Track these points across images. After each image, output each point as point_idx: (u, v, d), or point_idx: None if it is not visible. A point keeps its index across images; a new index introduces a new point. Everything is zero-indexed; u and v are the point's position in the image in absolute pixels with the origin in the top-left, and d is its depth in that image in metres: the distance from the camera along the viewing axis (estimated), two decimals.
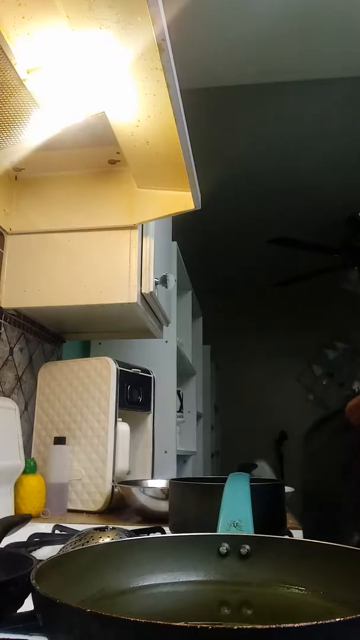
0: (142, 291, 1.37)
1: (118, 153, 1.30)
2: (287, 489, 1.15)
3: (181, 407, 2.82)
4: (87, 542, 0.72)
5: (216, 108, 2.65)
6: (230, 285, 5.08)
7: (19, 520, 0.79)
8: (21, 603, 0.48)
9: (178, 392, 2.70)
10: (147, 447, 1.60)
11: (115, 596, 0.47)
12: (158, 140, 1.04)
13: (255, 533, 0.56)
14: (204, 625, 0.29)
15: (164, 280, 1.50)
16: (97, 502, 1.35)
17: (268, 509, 0.78)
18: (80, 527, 0.86)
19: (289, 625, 0.29)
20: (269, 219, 3.74)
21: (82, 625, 0.32)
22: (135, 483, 1.34)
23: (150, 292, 1.38)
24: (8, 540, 0.79)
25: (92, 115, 1.03)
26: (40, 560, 0.45)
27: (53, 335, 1.70)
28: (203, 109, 2.59)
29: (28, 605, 0.43)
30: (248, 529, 0.57)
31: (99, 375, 1.43)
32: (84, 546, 0.68)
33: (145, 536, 0.73)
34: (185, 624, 0.30)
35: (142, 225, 1.38)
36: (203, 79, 2.37)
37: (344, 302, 4.45)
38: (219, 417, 4.96)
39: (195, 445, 2.96)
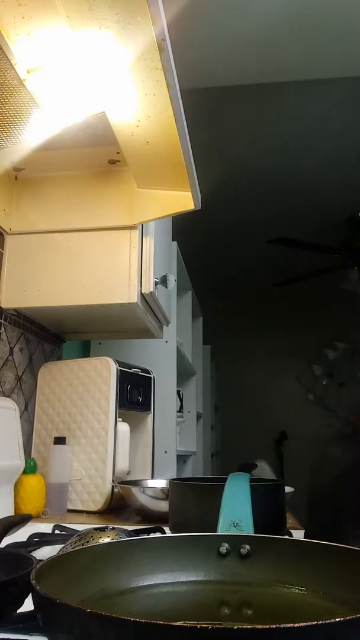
0: (142, 291, 1.37)
1: (118, 153, 1.30)
2: (287, 489, 1.15)
3: (181, 407, 2.82)
4: (87, 542, 0.72)
5: (216, 108, 2.65)
6: (230, 285, 5.08)
7: (19, 520, 0.79)
8: (21, 603, 0.48)
9: (178, 392, 2.70)
10: (147, 447, 1.60)
11: (115, 596, 0.47)
12: (158, 140, 1.04)
13: (255, 533, 0.56)
14: (204, 625, 0.29)
15: (164, 280, 1.50)
16: (97, 502, 1.35)
17: (268, 509, 0.78)
18: (80, 527, 0.86)
19: (289, 625, 0.29)
20: (269, 219, 3.74)
21: (82, 625, 0.32)
22: (135, 483, 1.34)
23: (150, 292, 1.38)
24: (8, 540, 0.79)
25: (92, 115, 1.03)
26: (40, 560, 0.45)
27: (53, 335, 1.70)
28: (203, 109, 2.59)
29: (28, 605, 0.43)
30: (248, 529, 0.57)
31: (99, 375, 1.43)
32: (84, 546, 0.68)
33: (145, 536, 0.73)
34: (185, 624, 0.30)
35: (142, 225, 1.38)
36: (203, 79, 2.37)
37: (344, 302, 4.45)
38: (219, 417, 4.96)
39: (195, 445, 2.96)
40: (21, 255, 1.38)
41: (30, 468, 1.29)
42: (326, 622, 0.30)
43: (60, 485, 1.34)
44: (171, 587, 0.50)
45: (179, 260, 2.46)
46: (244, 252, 4.35)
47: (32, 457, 1.44)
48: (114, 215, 1.36)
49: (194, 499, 0.81)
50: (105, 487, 1.35)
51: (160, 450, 1.88)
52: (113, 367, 1.42)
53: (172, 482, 0.87)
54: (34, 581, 0.38)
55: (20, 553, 0.61)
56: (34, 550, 0.86)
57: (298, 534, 0.83)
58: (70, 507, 1.37)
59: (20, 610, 0.49)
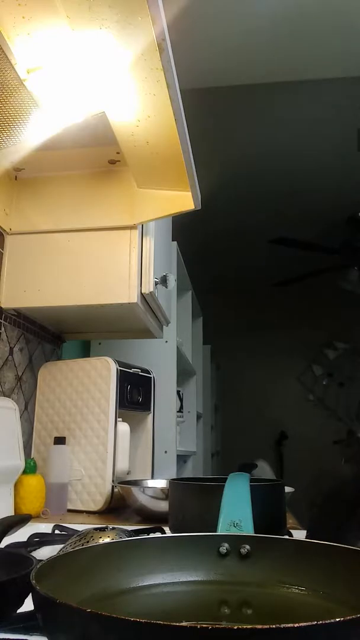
0: (142, 291, 1.37)
1: (118, 153, 1.30)
2: (287, 489, 1.15)
3: (181, 407, 2.82)
4: (87, 542, 0.72)
5: (216, 108, 2.65)
6: (230, 285, 5.08)
7: (19, 520, 0.79)
8: (21, 603, 0.48)
9: (178, 392, 2.70)
10: (147, 447, 1.60)
11: (115, 596, 0.47)
12: (158, 140, 1.04)
13: (255, 533, 0.56)
14: (204, 625, 0.29)
15: (164, 280, 1.50)
16: (97, 502, 1.35)
17: (268, 509, 0.78)
18: (80, 527, 0.86)
19: (289, 625, 0.29)
20: (269, 219, 3.74)
21: (82, 625, 0.32)
22: (135, 483, 1.34)
23: (150, 292, 1.38)
24: (8, 540, 0.79)
25: (92, 115, 1.03)
26: (40, 560, 0.45)
27: (53, 335, 1.70)
28: (203, 109, 2.59)
29: (28, 605, 0.43)
30: (248, 529, 0.57)
31: (99, 375, 1.43)
32: (84, 546, 0.68)
33: (145, 536, 0.73)
34: (185, 624, 0.30)
35: (142, 225, 1.38)
36: (203, 79, 2.37)
37: (344, 302, 4.45)
38: (219, 417, 4.96)
39: (195, 445, 2.96)
40: (21, 255, 1.38)
41: (30, 468, 1.29)
42: (326, 622, 0.30)
43: (60, 485, 1.34)
44: (171, 587, 0.50)
45: (179, 260, 2.46)
46: (244, 252, 4.35)
47: (32, 457, 1.44)
48: (114, 215, 1.36)
49: (194, 499, 0.81)
50: (105, 487, 1.35)
51: (160, 450, 1.88)
52: (113, 367, 1.42)
53: (172, 482, 0.87)
54: (34, 581, 0.38)
55: (20, 553, 0.61)
56: (34, 550, 0.86)
57: (298, 534, 0.83)
58: (70, 507, 1.37)
59: (20, 610, 0.49)
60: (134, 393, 1.52)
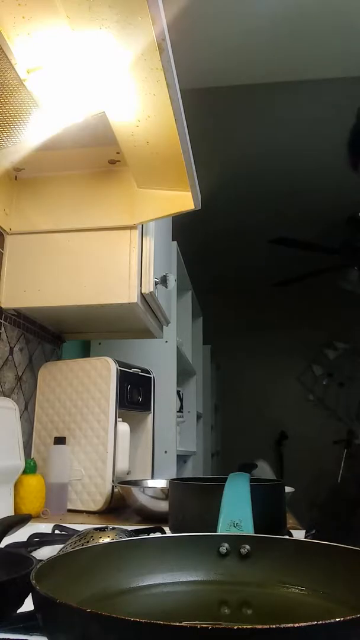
0: (142, 291, 1.37)
1: (118, 153, 1.30)
2: (287, 489, 1.15)
3: (181, 407, 2.82)
4: (87, 542, 0.72)
5: (216, 108, 2.65)
6: (230, 285, 5.08)
7: (19, 520, 0.79)
8: (21, 603, 0.48)
9: (178, 392, 2.70)
10: (147, 447, 1.60)
11: (115, 596, 0.47)
12: (158, 140, 1.04)
13: (255, 533, 0.56)
14: (204, 625, 0.29)
15: (164, 280, 1.50)
16: (97, 502, 1.35)
17: (268, 509, 0.78)
18: (80, 527, 0.86)
19: (289, 625, 0.29)
20: (269, 219, 3.74)
21: (82, 625, 0.33)
22: (135, 483, 1.34)
23: (150, 292, 1.38)
24: (8, 540, 0.79)
25: (92, 115, 1.03)
26: (40, 560, 0.45)
27: (53, 335, 1.70)
28: (203, 109, 2.59)
29: (28, 605, 0.43)
30: (248, 529, 0.57)
31: (99, 375, 1.43)
32: (84, 546, 0.68)
33: (145, 536, 0.73)
34: (186, 624, 0.30)
35: (142, 225, 1.38)
36: (203, 79, 2.37)
37: (344, 302, 4.45)
38: (219, 417, 4.96)
39: (195, 445, 2.96)
40: (21, 255, 1.38)
41: (30, 468, 1.29)
42: (326, 622, 0.30)
43: (60, 485, 1.34)
44: (171, 587, 0.50)
45: (179, 260, 2.46)
46: (244, 252, 4.35)
47: (32, 457, 1.44)
48: (114, 215, 1.36)
49: (194, 499, 0.81)
50: (105, 487, 1.35)
51: (160, 450, 1.88)
52: (113, 367, 1.42)
53: (172, 482, 0.87)
54: (34, 581, 0.38)
55: (20, 553, 0.61)
56: (34, 550, 0.86)
57: (298, 534, 0.83)
58: (70, 507, 1.37)
59: (20, 610, 0.49)
60: (134, 393, 1.52)
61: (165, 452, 2.07)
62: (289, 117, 2.75)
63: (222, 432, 5.10)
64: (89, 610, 0.32)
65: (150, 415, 1.62)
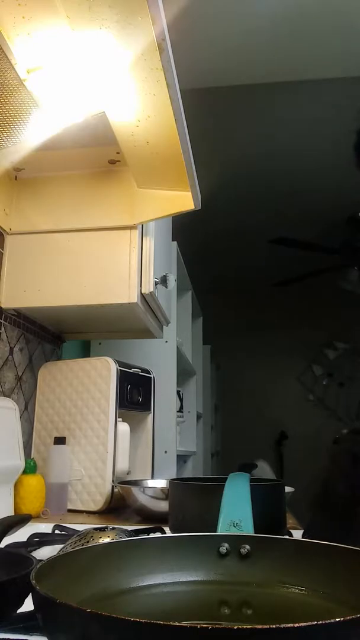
0: (142, 291, 1.37)
1: (118, 153, 1.30)
2: (287, 489, 1.15)
3: (181, 407, 2.82)
4: (87, 542, 0.72)
5: (216, 108, 2.65)
6: (230, 285, 5.08)
7: (19, 520, 0.79)
8: (21, 603, 0.48)
9: (178, 392, 2.70)
10: (147, 447, 1.60)
11: (115, 596, 0.47)
12: (158, 140, 1.04)
13: (255, 533, 0.56)
14: (204, 625, 0.29)
15: (164, 280, 1.50)
16: (97, 502, 1.35)
17: (268, 509, 0.78)
18: (80, 527, 0.86)
19: (289, 625, 0.29)
20: (269, 219, 3.74)
21: (82, 625, 0.32)
22: (135, 483, 1.34)
23: (150, 292, 1.38)
24: (8, 540, 0.79)
25: (92, 115, 1.03)
26: (40, 560, 0.45)
27: (53, 335, 1.70)
28: (203, 109, 2.59)
29: (28, 605, 0.43)
30: (248, 529, 0.57)
31: (99, 375, 1.43)
32: (84, 546, 0.68)
33: (145, 536, 0.73)
34: (185, 624, 0.30)
35: (142, 225, 1.38)
36: (203, 79, 2.37)
37: (344, 302, 4.45)
38: (219, 417, 4.96)
39: (195, 445, 2.96)
40: (21, 255, 1.38)
41: (30, 468, 1.29)
42: (326, 622, 0.30)
43: (60, 485, 1.34)
44: (171, 587, 0.50)
45: (179, 260, 2.46)
46: (244, 252, 4.35)
47: (32, 457, 1.44)
48: (114, 215, 1.36)
49: (194, 499, 0.81)
50: (105, 487, 1.35)
51: (160, 450, 1.88)
52: (113, 367, 1.42)
53: (172, 482, 0.87)
54: (34, 581, 0.38)
55: (20, 553, 0.61)
56: (34, 550, 0.86)
57: (298, 534, 0.83)
58: (70, 507, 1.37)
59: (20, 610, 0.49)
60: (134, 393, 1.52)
61: (165, 452, 2.07)
62: (289, 117, 2.75)
63: (222, 432, 5.10)
64: (89, 610, 0.32)
65: (150, 415, 1.62)
